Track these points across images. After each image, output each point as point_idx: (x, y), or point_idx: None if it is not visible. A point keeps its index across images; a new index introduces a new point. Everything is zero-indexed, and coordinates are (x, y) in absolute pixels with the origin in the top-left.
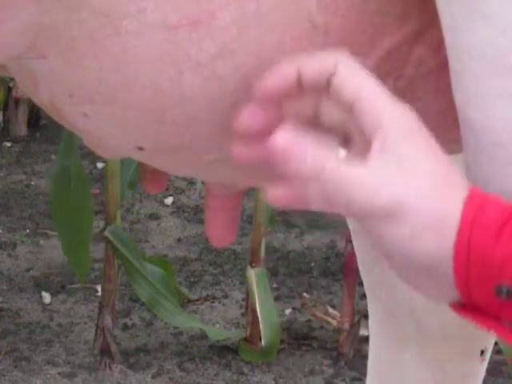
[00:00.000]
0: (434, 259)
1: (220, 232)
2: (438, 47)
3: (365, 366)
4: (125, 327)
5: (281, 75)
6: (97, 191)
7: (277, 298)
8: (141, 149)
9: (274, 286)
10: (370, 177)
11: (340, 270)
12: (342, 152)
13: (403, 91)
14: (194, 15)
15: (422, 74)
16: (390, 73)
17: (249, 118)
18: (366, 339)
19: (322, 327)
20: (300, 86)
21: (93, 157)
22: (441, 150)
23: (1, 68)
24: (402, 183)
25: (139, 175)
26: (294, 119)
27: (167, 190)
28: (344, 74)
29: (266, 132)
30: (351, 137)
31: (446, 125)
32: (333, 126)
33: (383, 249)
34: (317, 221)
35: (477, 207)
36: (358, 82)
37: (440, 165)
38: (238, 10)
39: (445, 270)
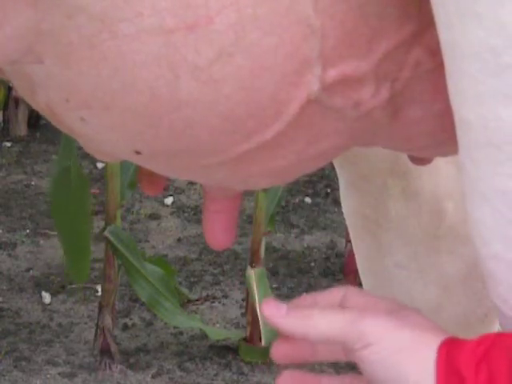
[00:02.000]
0: None
1: (218, 235)
2: (436, 49)
3: None
4: (125, 327)
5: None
6: (97, 191)
7: (277, 298)
8: (138, 153)
9: (274, 286)
10: None
11: (340, 270)
12: None
13: (401, 93)
14: (191, 19)
15: (420, 75)
16: (388, 75)
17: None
18: None
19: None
20: None
21: (93, 157)
22: None
23: None
24: None
25: (138, 176)
26: None
27: (167, 190)
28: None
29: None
30: None
31: (443, 125)
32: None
33: None
34: (317, 221)
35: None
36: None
37: None
38: (235, 13)
39: None
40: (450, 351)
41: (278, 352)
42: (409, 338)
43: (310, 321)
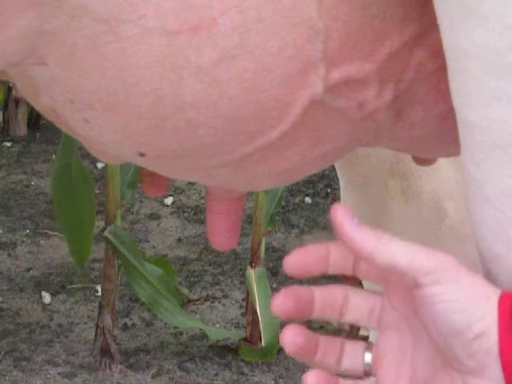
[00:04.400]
0: None
1: (222, 236)
2: (439, 50)
3: None
4: (125, 327)
5: (310, 249)
6: (97, 191)
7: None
8: (142, 154)
9: (274, 286)
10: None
11: None
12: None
13: (404, 94)
14: (194, 20)
15: (423, 76)
16: (391, 76)
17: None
18: (366, 339)
19: (321, 327)
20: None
21: (93, 157)
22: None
23: (2, 74)
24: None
25: (139, 177)
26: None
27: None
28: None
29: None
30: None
31: (446, 127)
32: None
33: None
34: (317, 221)
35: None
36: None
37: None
38: (239, 15)
39: None
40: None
41: (291, 264)
42: (476, 285)
43: (381, 241)
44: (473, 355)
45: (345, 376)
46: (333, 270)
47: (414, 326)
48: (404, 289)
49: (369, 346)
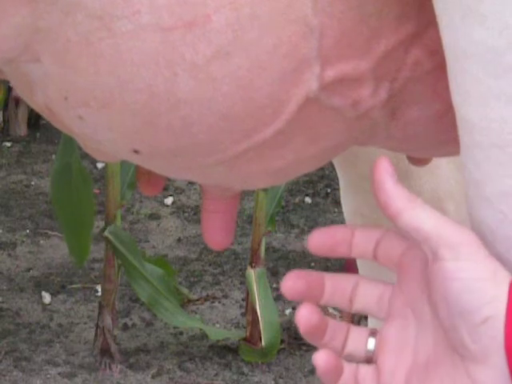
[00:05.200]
0: None
1: (217, 235)
2: (435, 49)
3: None
4: (125, 327)
5: (335, 229)
6: (97, 191)
7: (277, 298)
8: (137, 152)
9: (274, 286)
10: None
11: (340, 270)
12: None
13: (399, 93)
14: (188, 17)
15: (419, 75)
16: (387, 75)
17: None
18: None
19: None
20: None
21: (93, 157)
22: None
23: None
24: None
25: (136, 177)
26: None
27: (167, 190)
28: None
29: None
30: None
31: (443, 126)
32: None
33: None
34: (317, 221)
35: None
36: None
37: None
38: (233, 12)
39: None
40: None
41: (315, 241)
42: (491, 267)
43: (412, 203)
44: (478, 340)
45: (348, 361)
46: (355, 253)
47: (419, 312)
48: (416, 272)
49: (372, 333)
